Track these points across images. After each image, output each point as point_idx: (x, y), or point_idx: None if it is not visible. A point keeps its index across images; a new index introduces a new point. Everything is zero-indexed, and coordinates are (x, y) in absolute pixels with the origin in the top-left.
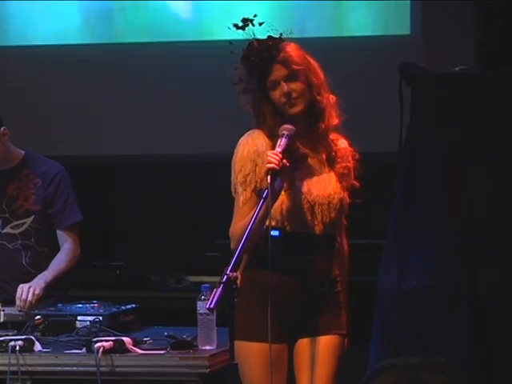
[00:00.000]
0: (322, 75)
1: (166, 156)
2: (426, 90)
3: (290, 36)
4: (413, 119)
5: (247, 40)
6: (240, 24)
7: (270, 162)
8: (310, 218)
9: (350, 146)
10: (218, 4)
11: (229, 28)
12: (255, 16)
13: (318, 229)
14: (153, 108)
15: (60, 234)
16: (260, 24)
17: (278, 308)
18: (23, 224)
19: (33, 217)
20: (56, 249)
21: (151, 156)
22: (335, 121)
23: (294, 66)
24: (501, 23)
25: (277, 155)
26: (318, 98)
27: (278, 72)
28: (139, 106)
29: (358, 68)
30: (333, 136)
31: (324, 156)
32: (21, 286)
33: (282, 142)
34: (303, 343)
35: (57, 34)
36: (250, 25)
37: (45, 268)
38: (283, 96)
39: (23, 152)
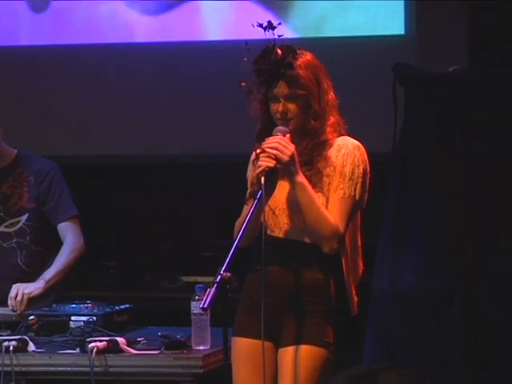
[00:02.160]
0: (330, 95)
1: (162, 156)
2: (420, 90)
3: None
4: (407, 119)
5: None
6: (264, 25)
7: (262, 165)
8: (274, 221)
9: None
10: (218, 4)
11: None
12: (280, 24)
13: (279, 232)
14: (151, 108)
15: (59, 230)
16: (279, 36)
17: (258, 305)
18: (18, 222)
19: (27, 215)
20: (52, 248)
21: (146, 156)
22: (328, 137)
23: (298, 90)
24: (494, 23)
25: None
26: (313, 122)
27: (280, 89)
28: (138, 106)
29: (351, 68)
30: (332, 139)
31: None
32: (14, 285)
33: None
34: (283, 352)
35: (58, 34)
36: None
37: (40, 267)
38: (278, 113)
39: (16, 151)
